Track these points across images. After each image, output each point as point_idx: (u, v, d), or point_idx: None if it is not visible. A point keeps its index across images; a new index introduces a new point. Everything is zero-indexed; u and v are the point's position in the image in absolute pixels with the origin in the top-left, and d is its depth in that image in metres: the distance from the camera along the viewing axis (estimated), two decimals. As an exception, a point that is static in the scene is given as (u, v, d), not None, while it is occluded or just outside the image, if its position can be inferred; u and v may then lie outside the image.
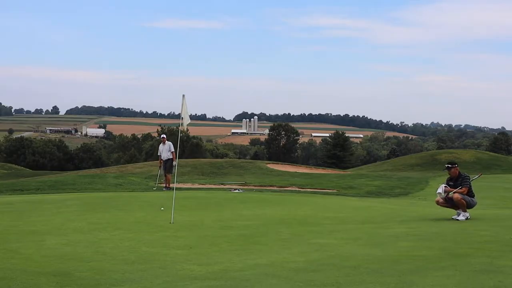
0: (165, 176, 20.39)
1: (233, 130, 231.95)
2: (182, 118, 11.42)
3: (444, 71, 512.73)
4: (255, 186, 25.98)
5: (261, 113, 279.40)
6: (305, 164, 78.06)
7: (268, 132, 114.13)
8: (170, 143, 20.68)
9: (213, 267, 5.97)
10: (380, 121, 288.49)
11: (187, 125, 11.88)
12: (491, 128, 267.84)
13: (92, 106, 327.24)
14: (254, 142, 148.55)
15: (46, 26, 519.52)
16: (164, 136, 21.04)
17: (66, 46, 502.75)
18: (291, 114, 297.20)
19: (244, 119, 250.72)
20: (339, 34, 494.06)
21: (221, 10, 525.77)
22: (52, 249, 7.23)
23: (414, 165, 43.79)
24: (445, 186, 10.65)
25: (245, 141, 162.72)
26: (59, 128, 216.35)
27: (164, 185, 20.67)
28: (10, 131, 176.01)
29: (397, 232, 8.72)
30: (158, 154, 20.74)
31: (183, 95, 11.22)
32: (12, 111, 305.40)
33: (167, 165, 20.24)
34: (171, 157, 20.28)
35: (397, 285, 4.82)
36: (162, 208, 10.37)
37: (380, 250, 6.87)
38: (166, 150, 20.42)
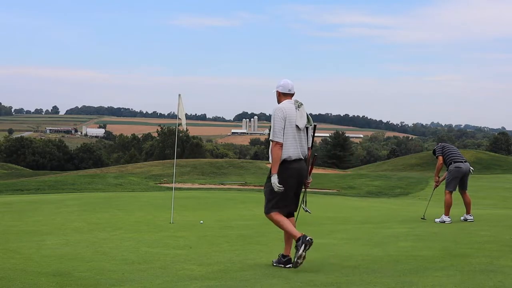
0: None
1: (233, 130, 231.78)
2: (179, 118, 11.36)
3: (444, 71, 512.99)
4: (255, 186, 25.99)
5: (261, 113, 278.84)
6: (305, 164, 77.89)
7: (268, 132, 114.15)
8: None
9: (213, 267, 5.98)
10: (380, 121, 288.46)
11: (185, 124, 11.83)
12: (491, 128, 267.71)
13: (92, 106, 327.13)
14: (254, 142, 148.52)
15: (46, 25, 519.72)
16: None
17: (66, 45, 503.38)
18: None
19: (244, 119, 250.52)
20: (339, 35, 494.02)
21: (221, 9, 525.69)
22: (52, 249, 7.23)
23: (414, 165, 43.82)
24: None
25: (245, 141, 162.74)
26: (59, 128, 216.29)
27: None
28: (10, 131, 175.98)
29: (397, 232, 8.72)
30: None
31: (179, 95, 11.16)
32: (12, 111, 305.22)
33: None
34: None
35: (397, 285, 4.82)
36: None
37: (380, 250, 6.87)
38: None
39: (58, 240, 8.16)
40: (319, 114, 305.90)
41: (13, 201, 16.05)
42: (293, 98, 5.96)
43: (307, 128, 5.95)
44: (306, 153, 5.98)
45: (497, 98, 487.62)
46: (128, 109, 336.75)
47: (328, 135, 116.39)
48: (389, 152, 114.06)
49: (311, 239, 5.60)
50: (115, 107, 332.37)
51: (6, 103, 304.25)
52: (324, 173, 36.10)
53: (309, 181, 6.09)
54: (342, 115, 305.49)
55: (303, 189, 6.09)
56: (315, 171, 39.79)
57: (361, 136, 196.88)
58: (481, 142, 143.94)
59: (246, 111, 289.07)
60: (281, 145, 5.75)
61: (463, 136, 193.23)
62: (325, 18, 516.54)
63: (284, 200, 5.87)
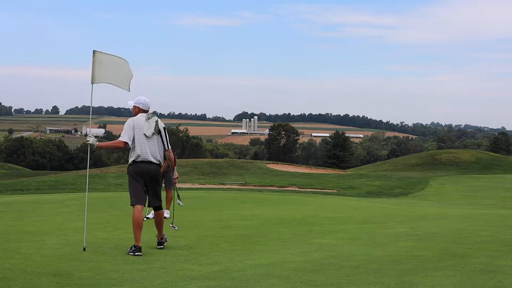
0: None
1: (233, 130, 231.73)
2: (92, 75, 7.95)
3: (445, 71, 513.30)
4: (255, 186, 26.00)
5: (261, 113, 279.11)
6: (305, 164, 78.03)
7: (268, 132, 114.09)
8: None
9: (213, 267, 5.98)
10: (380, 121, 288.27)
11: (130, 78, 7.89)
12: (491, 128, 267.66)
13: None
14: (254, 142, 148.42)
15: (46, 25, 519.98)
16: None
17: (66, 45, 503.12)
18: (291, 114, 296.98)
19: (244, 119, 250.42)
20: (341, 35, 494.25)
21: (222, 9, 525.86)
22: (52, 249, 7.23)
23: (414, 165, 43.82)
24: None
25: (245, 141, 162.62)
26: (59, 128, 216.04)
27: None
28: (10, 131, 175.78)
29: (397, 232, 8.72)
30: None
31: (94, 51, 7.77)
32: (12, 111, 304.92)
33: None
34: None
35: (397, 285, 4.82)
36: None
37: (380, 250, 6.87)
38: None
39: (58, 240, 8.16)
40: (319, 114, 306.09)
41: (13, 201, 16.04)
42: (149, 112, 7.37)
43: (161, 135, 7.26)
44: (157, 155, 7.23)
45: (497, 98, 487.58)
46: (128, 109, 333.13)
47: (328, 135, 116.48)
48: (389, 152, 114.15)
49: (134, 253, 6.82)
50: (115, 107, 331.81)
51: (6, 103, 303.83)
52: (324, 173, 36.10)
53: (175, 176, 7.97)
54: (342, 115, 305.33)
55: (174, 185, 7.88)
56: (314, 171, 39.89)
57: (361, 136, 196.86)
58: (481, 142, 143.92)
59: (246, 111, 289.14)
60: (123, 143, 7.14)
61: (463, 136, 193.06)
62: (327, 18, 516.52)
63: (137, 193, 7.17)
